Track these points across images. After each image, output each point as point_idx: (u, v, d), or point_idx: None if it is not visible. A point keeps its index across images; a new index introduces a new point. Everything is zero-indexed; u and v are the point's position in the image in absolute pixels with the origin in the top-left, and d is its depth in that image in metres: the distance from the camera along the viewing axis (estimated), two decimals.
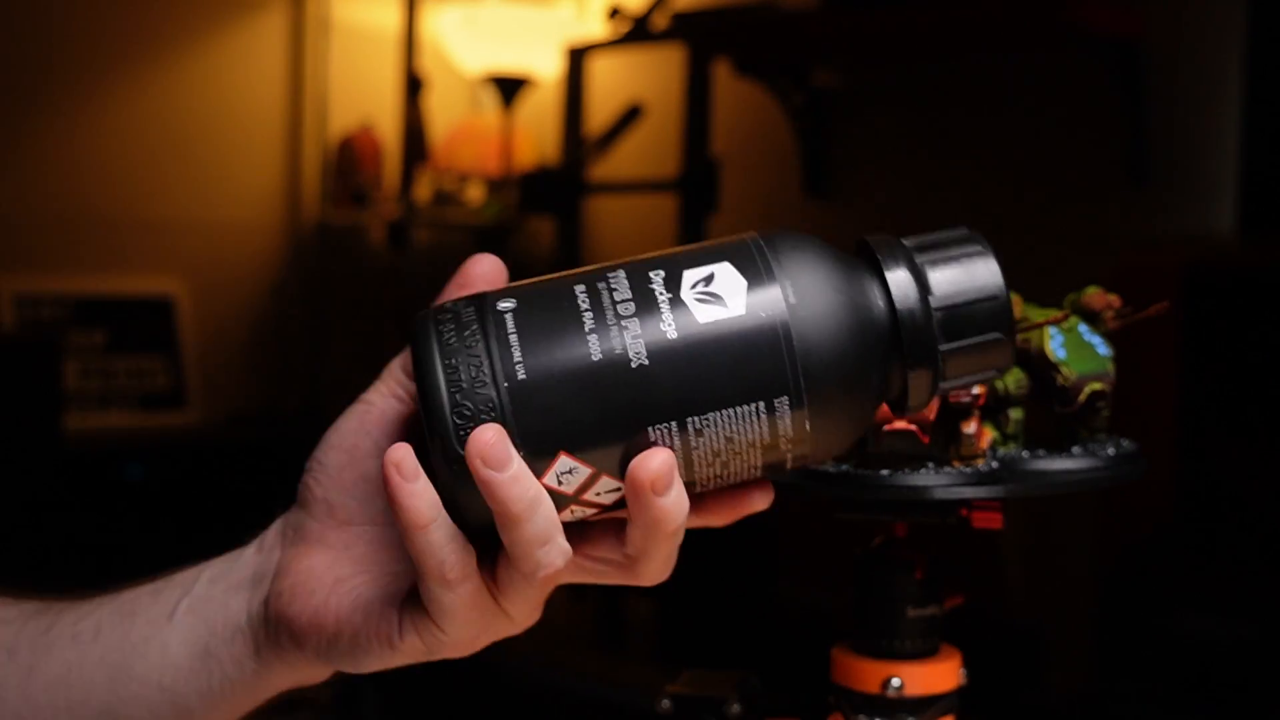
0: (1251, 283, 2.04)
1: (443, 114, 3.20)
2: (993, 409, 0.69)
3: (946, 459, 0.65)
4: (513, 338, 0.44)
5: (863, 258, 0.48)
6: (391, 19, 3.14)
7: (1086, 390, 0.69)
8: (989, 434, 0.67)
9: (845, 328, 0.45)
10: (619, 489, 0.45)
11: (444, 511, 0.44)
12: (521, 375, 0.43)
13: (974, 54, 2.57)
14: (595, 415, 0.44)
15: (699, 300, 0.44)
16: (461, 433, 0.43)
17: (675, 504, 0.44)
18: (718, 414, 0.45)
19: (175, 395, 3.03)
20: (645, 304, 0.44)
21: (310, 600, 0.50)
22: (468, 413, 0.43)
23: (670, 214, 2.70)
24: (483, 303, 0.46)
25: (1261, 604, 1.96)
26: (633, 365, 0.44)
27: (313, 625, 0.49)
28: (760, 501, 0.49)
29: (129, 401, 2.97)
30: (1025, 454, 0.68)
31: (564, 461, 0.44)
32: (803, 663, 0.83)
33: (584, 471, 0.45)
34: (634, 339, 0.44)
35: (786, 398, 0.45)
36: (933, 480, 0.64)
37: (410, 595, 0.48)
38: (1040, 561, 2.31)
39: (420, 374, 0.44)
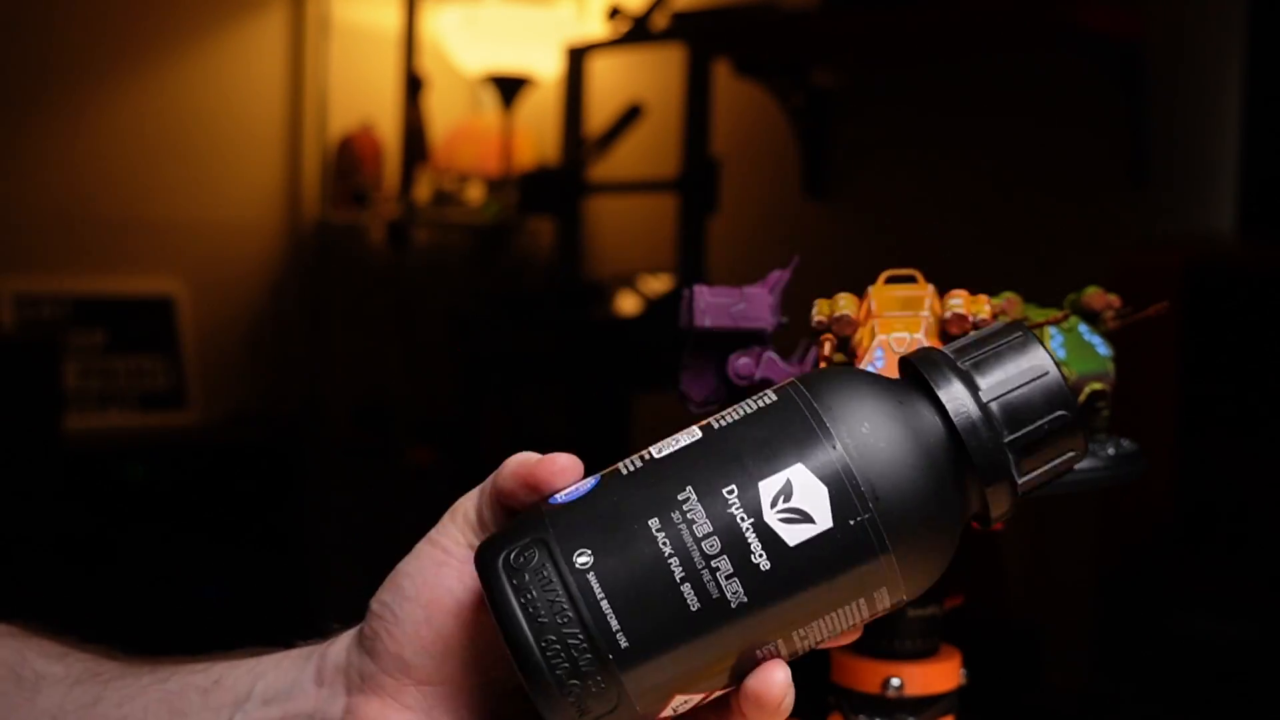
0: (1251, 283, 2.04)
1: (443, 114, 3.20)
2: None
3: None
4: (604, 604, 0.43)
5: (914, 381, 0.47)
6: (391, 19, 3.14)
7: (1086, 390, 0.69)
8: None
9: (926, 494, 0.44)
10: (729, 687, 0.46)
11: None
12: (624, 644, 0.43)
13: (974, 54, 2.57)
14: (703, 659, 0.44)
15: (784, 521, 0.44)
16: (572, 707, 0.43)
17: (789, 704, 0.46)
18: (821, 620, 0.45)
19: (175, 395, 3.03)
20: (731, 538, 0.43)
21: None
22: (576, 689, 0.43)
23: (670, 214, 2.70)
24: (553, 551, 0.44)
25: (1261, 604, 1.96)
26: (733, 606, 0.43)
27: None
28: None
29: (129, 401, 2.97)
30: None
31: (678, 699, 0.45)
32: (803, 663, 0.83)
33: (696, 698, 0.45)
34: (727, 580, 0.43)
35: (885, 588, 0.45)
36: None
37: None
38: (1040, 561, 2.31)
39: (513, 642, 0.43)
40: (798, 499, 0.44)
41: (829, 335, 0.65)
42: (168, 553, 2.75)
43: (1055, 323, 0.68)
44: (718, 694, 0.46)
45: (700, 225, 2.65)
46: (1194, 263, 2.01)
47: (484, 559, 0.45)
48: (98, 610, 2.73)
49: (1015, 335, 0.47)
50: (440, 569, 0.49)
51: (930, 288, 0.67)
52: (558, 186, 2.86)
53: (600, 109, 2.92)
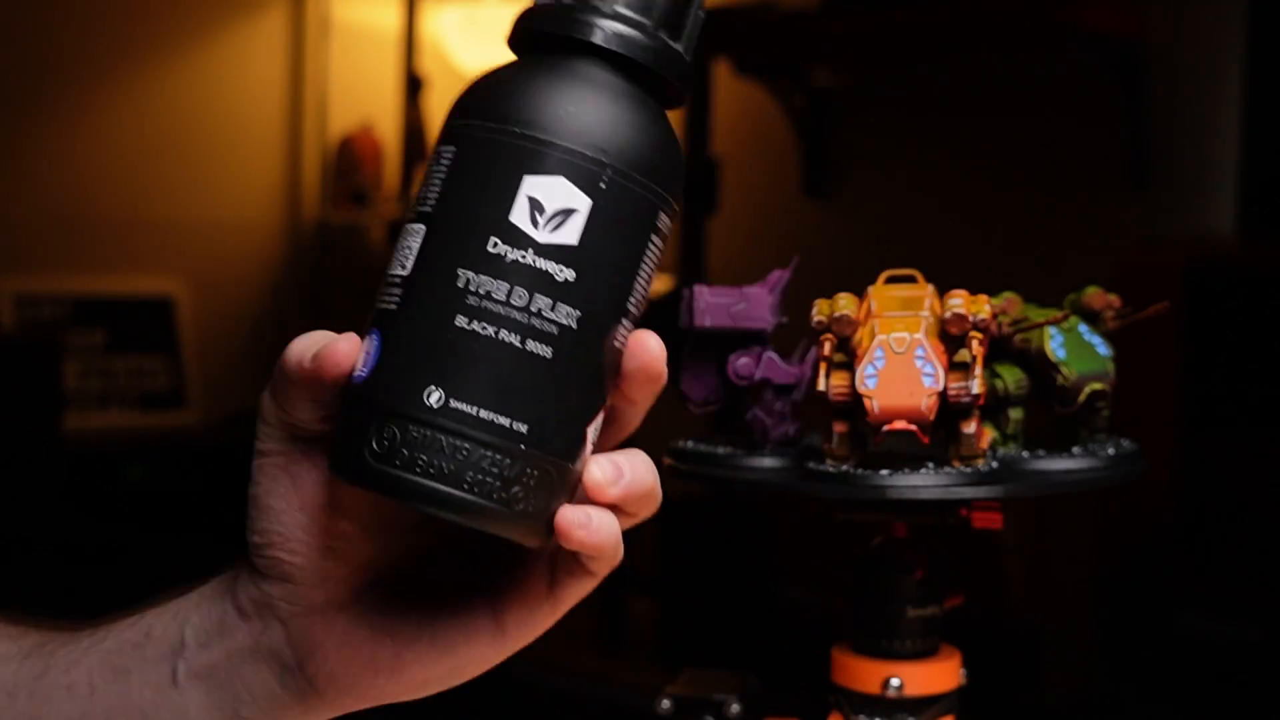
0: (1251, 283, 2.04)
1: (443, 114, 3.19)
2: (993, 409, 0.69)
3: (946, 459, 0.65)
4: (482, 413, 0.43)
5: (549, 46, 0.47)
6: (391, 19, 3.14)
7: (1086, 390, 0.69)
8: (989, 434, 0.67)
9: (635, 119, 0.45)
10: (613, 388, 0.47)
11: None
12: (524, 428, 0.43)
13: (974, 54, 2.57)
14: (584, 385, 0.45)
15: (555, 229, 0.44)
16: (527, 510, 0.44)
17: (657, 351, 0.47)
18: (638, 277, 0.46)
19: (175, 395, 3.03)
20: (528, 278, 0.43)
21: (377, 661, 0.51)
22: (519, 497, 0.44)
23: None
24: (409, 413, 0.43)
25: (1262, 604, 1.96)
26: (575, 327, 0.44)
27: (395, 675, 0.51)
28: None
29: (129, 401, 2.97)
30: (1025, 454, 0.68)
31: (590, 430, 0.45)
32: (803, 663, 0.83)
33: (600, 416, 0.46)
34: (553, 311, 0.44)
35: (661, 211, 0.46)
36: (933, 480, 0.64)
37: (502, 585, 0.49)
38: (1040, 561, 2.31)
39: (444, 506, 0.43)
40: (549, 204, 0.44)
41: (829, 335, 0.66)
42: (168, 553, 2.75)
43: (1055, 322, 0.69)
44: (611, 394, 0.47)
45: (700, 225, 2.65)
46: (1194, 263, 2.01)
47: (352, 467, 0.44)
48: (98, 610, 2.73)
49: None
50: (290, 473, 0.49)
51: (930, 288, 0.67)
52: None
53: None
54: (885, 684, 0.68)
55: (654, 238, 0.46)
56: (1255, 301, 2.03)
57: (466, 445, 0.43)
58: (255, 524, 0.50)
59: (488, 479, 0.43)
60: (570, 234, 0.44)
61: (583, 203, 0.44)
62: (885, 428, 0.63)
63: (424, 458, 0.43)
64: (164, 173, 3.05)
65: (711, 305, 0.67)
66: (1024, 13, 2.24)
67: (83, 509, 2.66)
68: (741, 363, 0.68)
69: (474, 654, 0.51)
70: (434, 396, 0.43)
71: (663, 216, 0.46)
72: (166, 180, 3.06)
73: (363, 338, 0.46)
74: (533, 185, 0.44)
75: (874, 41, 2.53)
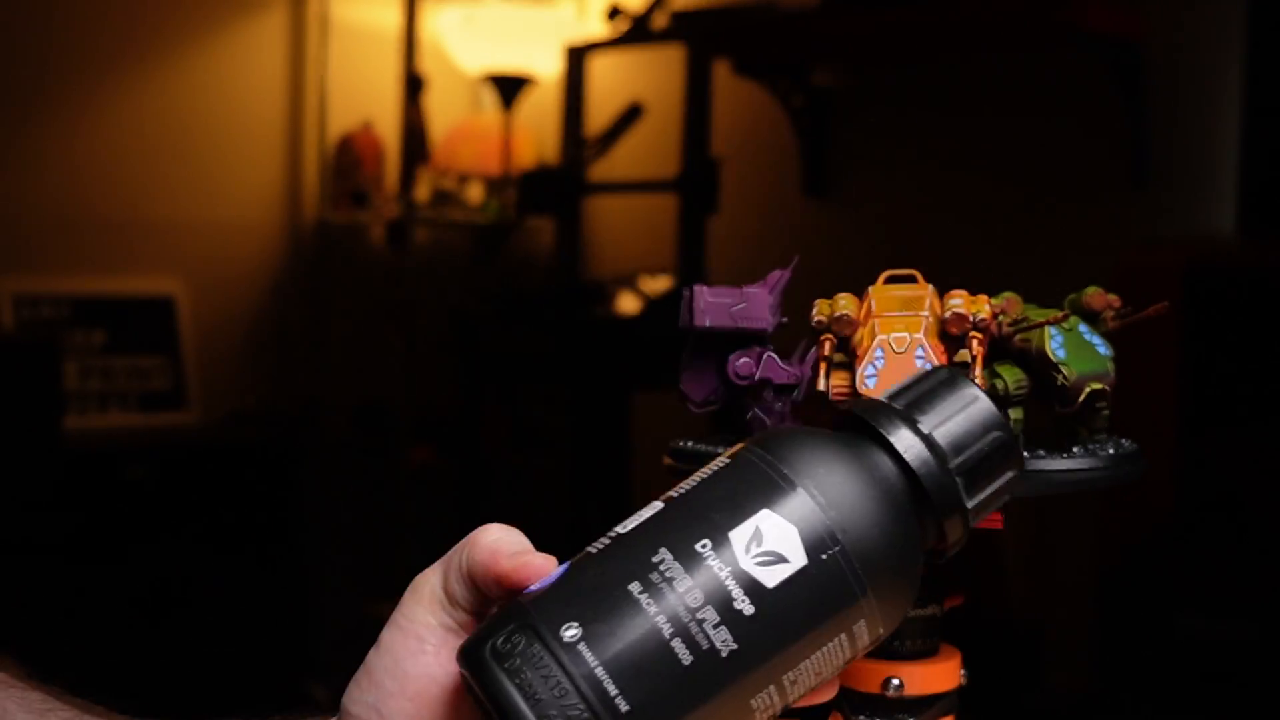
0: (1251, 283, 2.04)
1: (443, 114, 3.20)
2: None
3: None
4: (599, 671, 0.43)
5: (858, 430, 0.49)
6: (391, 19, 3.14)
7: (1086, 390, 0.69)
8: None
9: (890, 528, 0.46)
10: None
11: None
12: (625, 707, 0.43)
13: (974, 54, 2.57)
14: (702, 714, 0.44)
15: (760, 565, 0.45)
16: None
17: None
18: (808, 660, 0.46)
19: (175, 395, 3.03)
20: (712, 589, 0.44)
21: None
22: None
23: (670, 214, 2.70)
24: (540, 632, 0.44)
25: (1262, 604, 1.96)
26: (723, 655, 0.44)
27: None
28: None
29: (129, 401, 2.97)
30: (1025, 454, 0.68)
31: None
32: None
33: None
34: (715, 629, 0.44)
35: (863, 620, 0.46)
36: None
37: None
38: (1040, 561, 2.31)
39: None
40: (770, 542, 0.45)
41: (829, 335, 0.66)
42: (168, 553, 2.75)
43: (1055, 323, 0.68)
44: None
45: (700, 225, 2.65)
46: (1194, 263, 2.01)
47: (470, 653, 0.45)
48: (98, 610, 2.73)
49: (942, 373, 0.50)
50: (417, 658, 0.48)
51: (930, 288, 0.67)
52: (558, 186, 2.86)
53: (600, 109, 2.92)
54: (885, 684, 0.68)
55: (842, 637, 0.46)
56: (1255, 301, 2.03)
57: (567, 686, 0.43)
58: (363, 694, 0.49)
59: None
60: (771, 577, 0.45)
61: (798, 558, 0.45)
62: None
63: (527, 673, 0.43)
64: (164, 173, 3.05)
65: (711, 305, 0.67)
66: (1024, 13, 2.24)
67: (83, 509, 2.66)
68: (741, 363, 0.68)
69: None
70: (570, 632, 0.44)
71: (861, 624, 0.46)
72: (166, 180, 3.06)
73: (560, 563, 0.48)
74: (766, 519, 0.45)
75: (874, 41, 2.53)
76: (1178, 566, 2.04)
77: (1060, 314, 0.69)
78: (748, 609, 0.44)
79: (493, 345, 2.88)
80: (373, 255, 3.22)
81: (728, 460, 0.48)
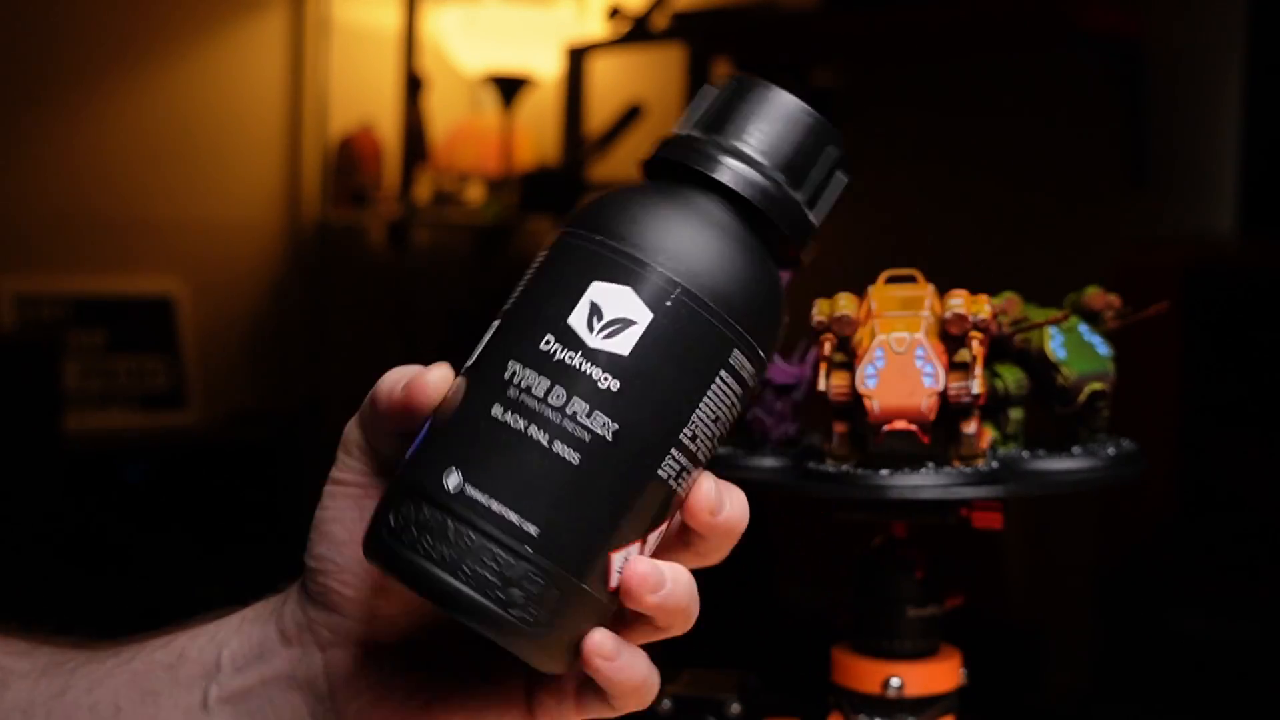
0: (1251, 283, 2.04)
1: (443, 114, 3.20)
2: (993, 409, 0.69)
3: (946, 459, 0.65)
4: (495, 506, 0.42)
5: (659, 171, 0.47)
6: (391, 19, 3.14)
7: (1086, 390, 0.69)
8: (989, 434, 0.67)
9: (724, 249, 0.44)
10: (662, 532, 0.46)
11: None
12: (534, 530, 0.42)
13: (974, 54, 2.57)
14: (613, 504, 0.43)
15: (609, 337, 0.43)
16: (524, 618, 0.42)
17: (739, 508, 0.46)
18: (697, 410, 0.44)
19: (175, 395, 3.03)
20: (571, 380, 0.43)
21: (406, 709, 0.50)
22: (518, 600, 0.42)
23: None
24: (424, 493, 0.43)
25: (1261, 604, 1.96)
26: (608, 438, 0.43)
27: None
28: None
29: (129, 401, 2.97)
30: (1025, 454, 0.68)
31: (616, 558, 0.44)
32: (803, 663, 0.83)
33: (634, 547, 0.44)
34: (589, 417, 0.43)
35: (736, 350, 0.44)
36: (933, 480, 0.64)
37: (539, 673, 0.48)
38: (1040, 561, 2.31)
39: (439, 595, 0.42)
40: (610, 312, 0.43)
41: (829, 335, 0.66)
42: (167, 552, 2.75)
43: (1055, 322, 0.69)
44: (657, 535, 0.45)
45: None
46: (1194, 263, 2.01)
47: (372, 546, 0.44)
48: (98, 610, 2.73)
49: (729, 84, 0.47)
50: (360, 502, 0.49)
51: (930, 288, 0.67)
52: (558, 186, 2.86)
53: (600, 109, 2.92)
54: (885, 684, 0.68)
55: (724, 375, 0.44)
56: (1255, 301, 2.03)
57: (470, 534, 0.42)
58: (315, 548, 0.50)
59: (486, 574, 0.42)
60: (623, 345, 0.43)
61: (642, 315, 0.43)
62: (885, 428, 0.63)
63: (428, 539, 0.42)
64: (164, 173, 3.05)
65: None
66: (1024, 13, 2.24)
67: (83, 509, 2.66)
68: None
69: None
70: (451, 480, 0.42)
71: (739, 357, 0.44)
72: (166, 180, 3.06)
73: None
74: (597, 291, 0.44)
75: (874, 41, 2.52)
76: (1178, 566, 2.04)
77: (1060, 314, 0.69)
78: (614, 384, 0.43)
79: None
80: (373, 255, 3.22)
81: (545, 253, 0.46)
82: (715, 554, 0.48)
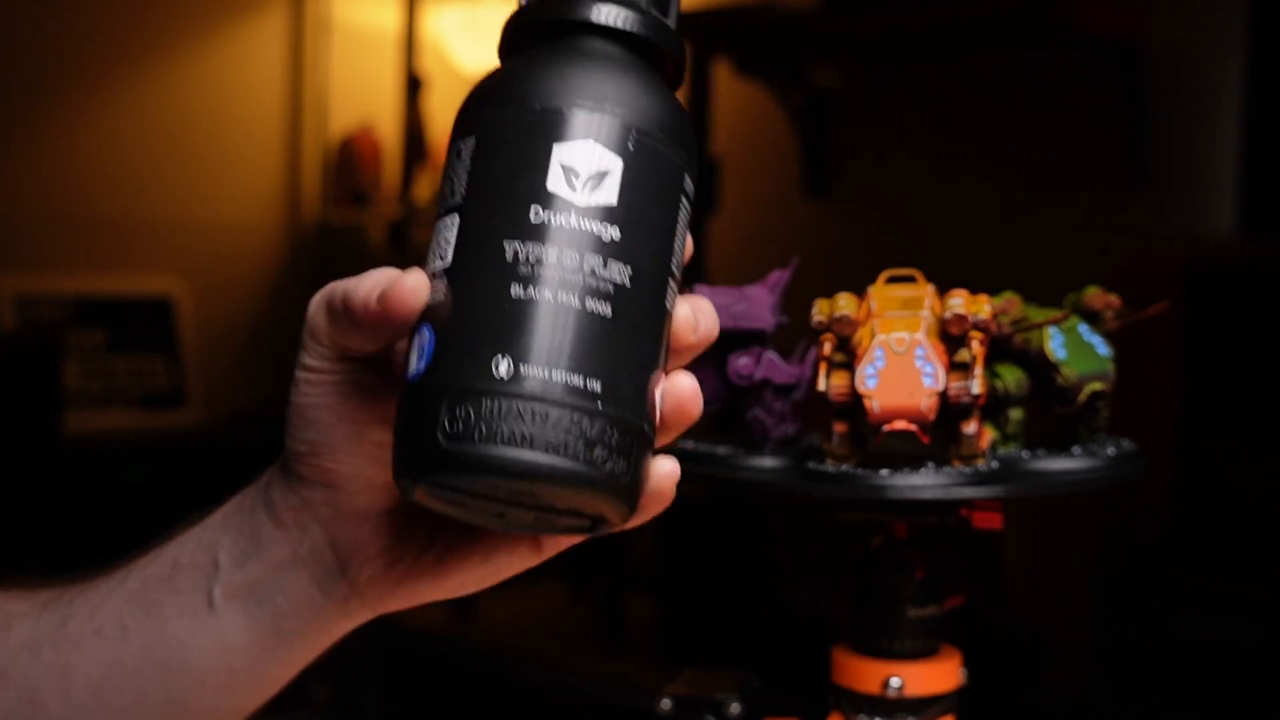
0: (1251, 283, 2.04)
1: (443, 114, 3.20)
2: (993, 409, 0.69)
3: (946, 459, 0.65)
4: (555, 375, 0.42)
5: (542, 34, 0.47)
6: (391, 19, 3.14)
7: (1086, 390, 0.69)
8: (989, 434, 0.67)
9: (647, 85, 0.46)
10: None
11: None
12: (598, 387, 0.43)
13: (974, 54, 2.57)
14: (645, 341, 0.45)
15: (593, 190, 0.44)
16: (615, 471, 0.43)
17: (712, 319, 0.48)
18: (674, 239, 0.46)
19: (175, 395, 3.03)
20: (576, 241, 0.43)
21: (420, 565, 0.51)
22: (603, 459, 0.43)
23: None
24: (478, 387, 0.42)
25: (1262, 605, 1.96)
26: (629, 285, 0.44)
27: (438, 578, 0.51)
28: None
29: (129, 401, 2.97)
30: (1025, 454, 0.68)
31: (655, 394, 0.45)
32: (803, 663, 0.83)
33: (663, 380, 0.46)
34: (605, 269, 0.44)
35: (686, 175, 0.47)
36: (933, 480, 0.64)
37: None
38: (1040, 561, 2.31)
39: (539, 475, 0.42)
40: (583, 168, 0.44)
41: (829, 335, 0.66)
42: None
43: (1055, 322, 0.69)
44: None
45: (700, 225, 2.65)
46: (1194, 263, 2.01)
47: (420, 461, 0.43)
48: None
49: None
50: (339, 389, 0.49)
51: (930, 288, 0.67)
52: None
53: None
54: (885, 684, 0.68)
55: (684, 200, 0.47)
56: (1255, 301, 2.03)
57: (545, 408, 0.42)
58: (299, 433, 0.50)
59: (571, 439, 0.42)
60: (608, 194, 0.44)
61: (614, 163, 0.44)
62: (885, 428, 0.63)
63: (505, 427, 0.42)
64: (164, 173, 3.05)
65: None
66: (1024, 13, 2.24)
67: (83, 509, 2.66)
68: (741, 363, 0.68)
69: (513, 561, 0.51)
70: (503, 366, 0.42)
71: (687, 180, 0.47)
72: (166, 180, 3.06)
73: (411, 338, 0.45)
74: (563, 152, 0.44)
75: (874, 41, 2.52)
76: (1178, 567, 2.04)
77: (1060, 314, 0.69)
78: (614, 233, 0.44)
79: None
80: (373, 255, 3.22)
81: (474, 138, 0.46)
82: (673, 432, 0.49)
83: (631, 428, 0.43)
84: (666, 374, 0.46)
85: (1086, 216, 2.40)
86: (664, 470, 0.46)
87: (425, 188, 3.14)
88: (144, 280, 3.04)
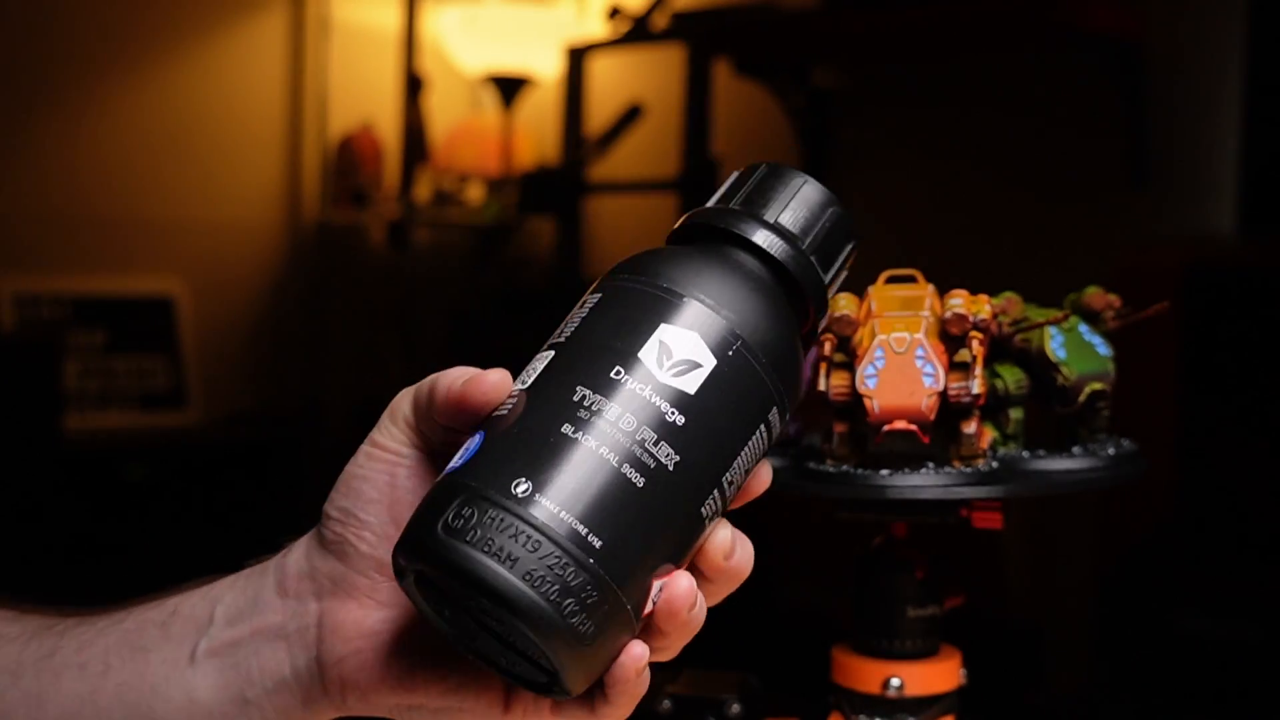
0: (1251, 283, 2.04)
1: (443, 114, 3.20)
2: (993, 409, 0.69)
3: (946, 459, 0.65)
4: (564, 515, 0.43)
5: (712, 238, 0.50)
6: (391, 19, 3.14)
7: (1086, 390, 0.69)
8: (989, 434, 0.67)
9: (775, 316, 0.48)
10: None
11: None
12: (599, 543, 0.43)
13: (974, 54, 2.57)
14: (664, 530, 0.45)
15: (677, 375, 0.45)
16: (578, 626, 0.43)
17: (748, 556, 0.49)
18: (738, 457, 0.47)
19: (175, 395, 3.03)
20: (641, 409, 0.45)
21: (389, 667, 0.51)
22: (573, 608, 0.43)
23: (670, 214, 2.70)
24: (490, 497, 0.44)
25: (1262, 605, 1.96)
26: (670, 469, 0.45)
27: (398, 690, 0.51)
28: (765, 481, 0.51)
29: (129, 401, 2.96)
30: (1025, 454, 0.68)
31: (655, 585, 0.46)
32: (803, 663, 0.83)
33: (667, 577, 0.46)
34: (656, 446, 0.45)
35: (774, 408, 0.48)
36: (933, 480, 0.64)
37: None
38: (1040, 561, 2.31)
39: (498, 593, 0.43)
40: (679, 352, 0.46)
41: (829, 335, 0.66)
42: (168, 553, 2.75)
43: (1055, 322, 0.68)
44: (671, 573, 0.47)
45: None
46: (1194, 263, 2.01)
47: (418, 544, 0.45)
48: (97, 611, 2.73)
49: (762, 168, 0.51)
50: (395, 469, 0.50)
51: (930, 288, 0.67)
52: (558, 186, 2.85)
53: (600, 109, 2.92)
54: (885, 684, 0.68)
55: (762, 429, 0.47)
56: (1255, 301, 2.03)
57: (540, 539, 0.43)
58: (339, 500, 0.51)
59: (549, 579, 0.43)
60: (690, 384, 0.46)
61: (708, 360, 0.46)
62: (885, 428, 0.63)
63: (494, 540, 0.43)
64: (164, 173, 3.05)
65: None
66: (1024, 13, 2.24)
67: (83, 509, 2.66)
68: None
69: (474, 713, 0.51)
70: (521, 487, 0.44)
71: (774, 413, 0.48)
72: (166, 180, 3.06)
73: (467, 436, 0.47)
74: (667, 332, 0.46)
75: (874, 41, 2.52)
76: (1178, 567, 2.04)
77: (1060, 314, 0.69)
78: (680, 419, 0.45)
79: (493, 345, 2.87)
80: (373, 255, 3.22)
81: (599, 295, 0.48)
82: (713, 597, 0.50)
83: (612, 597, 0.44)
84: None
85: (1086, 216, 2.40)
86: (633, 653, 0.46)
87: (425, 188, 3.14)
88: (144, 280, 3.04)
